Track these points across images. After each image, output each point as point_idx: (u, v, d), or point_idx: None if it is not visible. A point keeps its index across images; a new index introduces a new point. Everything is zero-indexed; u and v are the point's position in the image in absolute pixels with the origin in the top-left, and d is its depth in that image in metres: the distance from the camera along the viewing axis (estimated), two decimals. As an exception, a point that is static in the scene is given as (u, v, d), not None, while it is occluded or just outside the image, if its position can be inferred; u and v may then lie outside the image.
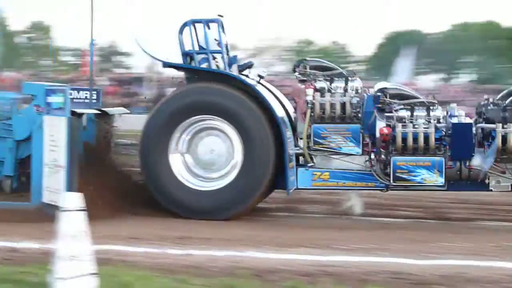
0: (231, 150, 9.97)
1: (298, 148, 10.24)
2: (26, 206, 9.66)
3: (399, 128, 9.71)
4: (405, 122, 9.80)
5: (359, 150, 10.01)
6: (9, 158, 10.28)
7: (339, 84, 10.32)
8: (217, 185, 9.93)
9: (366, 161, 10.01)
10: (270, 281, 6.34)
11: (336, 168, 10.16)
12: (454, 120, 9.98)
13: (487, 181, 9.82)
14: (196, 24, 10.35)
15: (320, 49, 55.91)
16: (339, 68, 10.77)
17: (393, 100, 10.05)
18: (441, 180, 9.70)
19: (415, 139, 9.64)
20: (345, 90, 10.21)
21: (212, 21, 10.44)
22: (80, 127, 9.89)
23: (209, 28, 10.37)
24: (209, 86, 10.04)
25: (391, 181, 9.81)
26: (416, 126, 9.75)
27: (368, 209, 10.92)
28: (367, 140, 10.03)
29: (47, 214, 8.95)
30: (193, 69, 10.46)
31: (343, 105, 10.00)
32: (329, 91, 10.16)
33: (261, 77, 10.53)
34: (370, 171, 9.99)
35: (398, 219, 10.93)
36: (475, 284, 6.44)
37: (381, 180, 9.90)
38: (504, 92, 10.51)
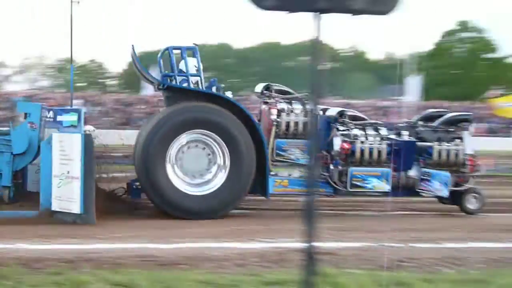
0: (220, 159, 10.98)
1: None
2: (35, 215, 10.35)
3: (358, 144, 11.36)
4: (361, 139, 11.51)
5: None
6: (6, 170, 10.98)
7: (296, 106, 11.56)
8: (209, 189, 10.93)
9: (320, 171, 11.24)
10: (36, 269, 7.00)
11: (294, 177, 11.47)
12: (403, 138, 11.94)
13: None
14: (175, 50, 11.37)
15: (80, 66, 57.46)
16: (294, 92, 11.98)
17: (350, 121, 11.80)
18: (388, 187, 11.46)
19: (371, 153, 11.33)
20: (303, 111, 11.44)
21: (190, 48, 11.64)
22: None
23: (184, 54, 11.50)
24: (203, 105, 11.01)
25: (348, 188, 11.50)
26: (371, 142, 11.42)
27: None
28: (321, 153, 11.34)
29: (59, 220, 10.12)
30: (176, 89, 11.38)
31: (303, 124, 11.28)
32: (292, 112, 11.43)
33: None
34: (325, 179, 11.41)
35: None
36: (212, 262, 7.62)
37: (337, 187, 11.43)
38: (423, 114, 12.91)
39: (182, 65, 11.53)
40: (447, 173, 11.88)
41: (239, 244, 8.83)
